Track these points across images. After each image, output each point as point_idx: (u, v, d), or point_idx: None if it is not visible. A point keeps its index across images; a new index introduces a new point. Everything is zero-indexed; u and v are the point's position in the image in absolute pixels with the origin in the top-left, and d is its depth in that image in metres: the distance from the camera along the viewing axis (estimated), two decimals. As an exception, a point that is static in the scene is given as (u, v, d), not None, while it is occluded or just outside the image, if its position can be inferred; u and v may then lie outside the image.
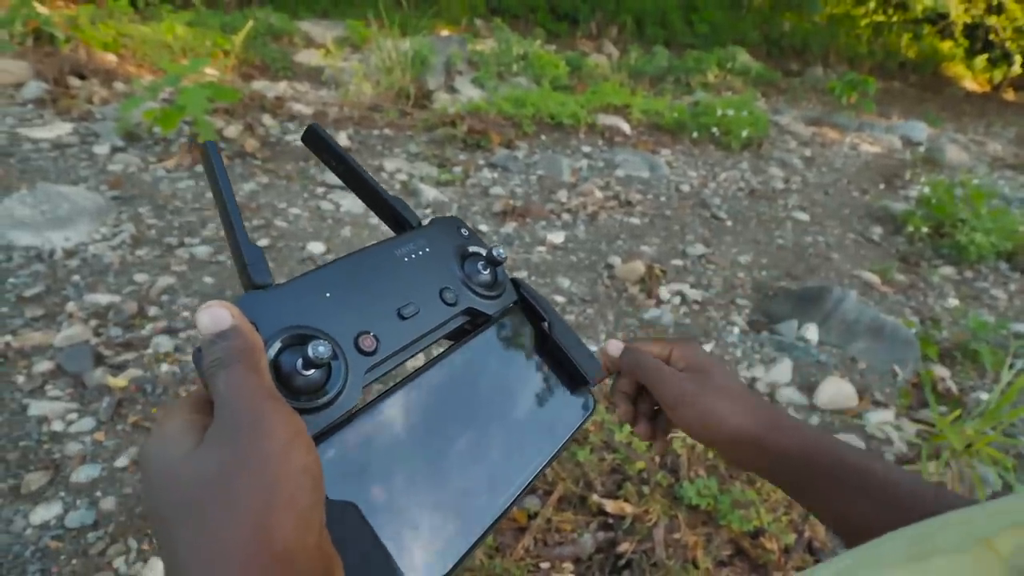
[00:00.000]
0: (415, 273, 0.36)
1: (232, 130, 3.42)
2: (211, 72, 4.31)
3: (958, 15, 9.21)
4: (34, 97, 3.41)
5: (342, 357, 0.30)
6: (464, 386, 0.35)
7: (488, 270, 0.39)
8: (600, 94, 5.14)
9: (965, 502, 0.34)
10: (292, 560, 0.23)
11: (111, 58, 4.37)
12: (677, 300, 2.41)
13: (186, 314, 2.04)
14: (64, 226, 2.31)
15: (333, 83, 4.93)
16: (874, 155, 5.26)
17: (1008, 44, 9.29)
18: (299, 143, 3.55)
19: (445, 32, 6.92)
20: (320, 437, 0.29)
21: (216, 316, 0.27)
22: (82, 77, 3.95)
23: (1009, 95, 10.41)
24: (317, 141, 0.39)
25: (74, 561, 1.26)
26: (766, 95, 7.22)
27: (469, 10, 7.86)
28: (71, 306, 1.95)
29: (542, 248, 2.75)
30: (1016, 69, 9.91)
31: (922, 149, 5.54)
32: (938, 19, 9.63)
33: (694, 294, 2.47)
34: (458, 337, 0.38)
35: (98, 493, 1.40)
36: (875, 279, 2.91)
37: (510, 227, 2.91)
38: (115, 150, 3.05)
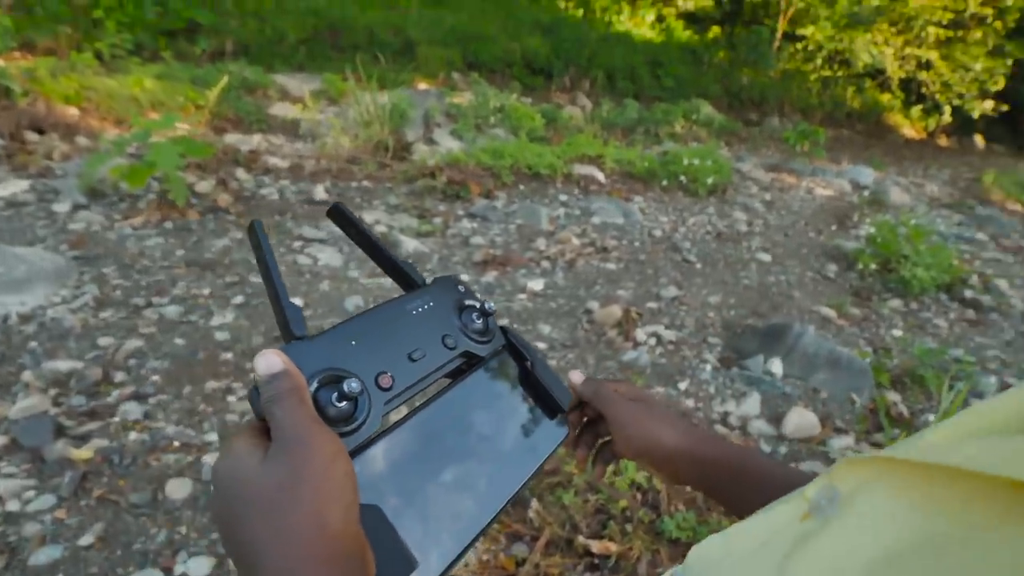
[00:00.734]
0: (422, 324, 0.44)
1: (204, 185, 3.39)
2: (182, 126, 4.31)
3: (894, 71, 10.09)
4: (-14, 153, 3.22)
5: (366, 392, 0.37)
6: (461, 415, 0.44)
7: (481, 320, 0.48)
8: (575, 145, 5.46)
9: None
10: (341, 541, 0.30)
11: (73, 112, 4.30)
12: (653, 341, 2.61)
13: (156, 378, 1.94)
14: (20, 289, 2.19)
15: (310, 136, 5.02)
16: (827, 198, 5.68)
17: (938, 96, 10.20)
18: (275, 196, 3.66)
19: (423, 86, 7.25)
20: (351, 455, 0.35)
21: (270, 361, 0.33)
22: (41, 132, 3.84)
23: (943, 141, 11.31)
24: (341, 217, 0.48)
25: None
26: (728, 144, 7.72)
27: (446, 65, 8.25)
28: (27, 375, 1.84)
29: (523, 296, 2.93)
30: (947, 118, 10.83)
31: (868, 192, 5.99)
32: (877, 74, 10.50)
33: (669, 335, 2.67)
34: (457, 375, 0.46)
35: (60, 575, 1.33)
36: (832, 313, 3.18)
37: (491, 276, 3.09)
38: (77, 207, 2.94)
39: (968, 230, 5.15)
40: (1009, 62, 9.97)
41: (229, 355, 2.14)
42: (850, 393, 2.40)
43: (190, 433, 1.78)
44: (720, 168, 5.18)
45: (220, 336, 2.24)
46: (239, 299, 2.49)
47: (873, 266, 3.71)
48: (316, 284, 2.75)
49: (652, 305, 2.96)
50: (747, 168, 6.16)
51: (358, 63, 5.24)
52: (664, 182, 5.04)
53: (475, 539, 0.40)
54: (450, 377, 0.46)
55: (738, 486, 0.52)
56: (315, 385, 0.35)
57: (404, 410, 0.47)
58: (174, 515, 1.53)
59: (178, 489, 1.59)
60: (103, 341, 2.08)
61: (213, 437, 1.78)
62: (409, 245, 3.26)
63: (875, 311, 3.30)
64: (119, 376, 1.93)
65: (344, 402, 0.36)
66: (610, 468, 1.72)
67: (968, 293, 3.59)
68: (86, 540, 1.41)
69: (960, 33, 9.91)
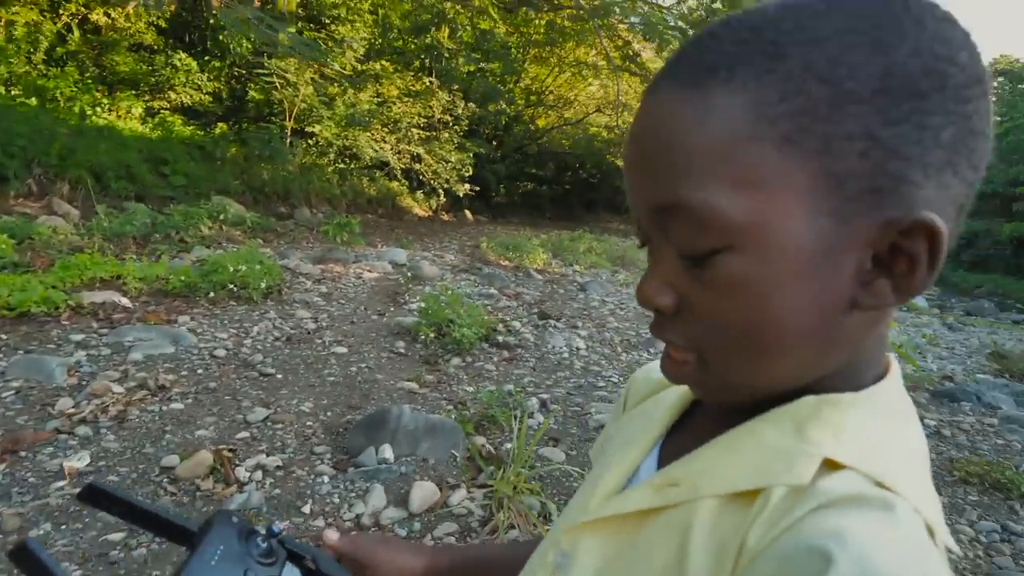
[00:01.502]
0: (224, 568, 0.49)
1: None
2: None
3: (395, 163, 12.45)
4: None
5: None
6: None
7: (266, 543, 0.54)
8: (76, 268, 4.60)
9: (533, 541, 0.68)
10: None
11: None
12: (259, 475, 2.44)
13: None
14: None
15: None
16: (376, 280, 6.47)
17: (432, 182, 13.14)
18: None
19: None
20: None
21: None
22: None
23: (445, 217, 14.58)
24: (97, 496, 0.50)
25: None
26: (267, 241, 7.87)
27: None
28: None
29: (61, 483, 2.28)
30: (443, 199, 14.08)
31: (407, 269, 7.14)
32: (384, 165, 12.70)
33: (273, 461, 2.55)
34: None
35: None
36: (415, 385, 3.64)
37: None
38: None
39: (483, 287, 6.73)
40: (471, 155, 13.63)
41: None
42: (450, 451, 2.80)
43: None
44: (269, 270, 5.26)
45: None
46: None
47: (432, 334, 4.43)
48: None
49: (243, 435, 2.76)
50: (294, 264, 6.43)
51: None
52: (211, 294, 4.78)
53: None
54: None
55: (486, 574, 0.67)
56: None
57: None
58: None
59: None
60: None
61: None
62: None
63: (445, 372, 3.95)
64: None
65: None
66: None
67: (500, 338, 4.69)
68: None
69: (435, 133, 12.99)
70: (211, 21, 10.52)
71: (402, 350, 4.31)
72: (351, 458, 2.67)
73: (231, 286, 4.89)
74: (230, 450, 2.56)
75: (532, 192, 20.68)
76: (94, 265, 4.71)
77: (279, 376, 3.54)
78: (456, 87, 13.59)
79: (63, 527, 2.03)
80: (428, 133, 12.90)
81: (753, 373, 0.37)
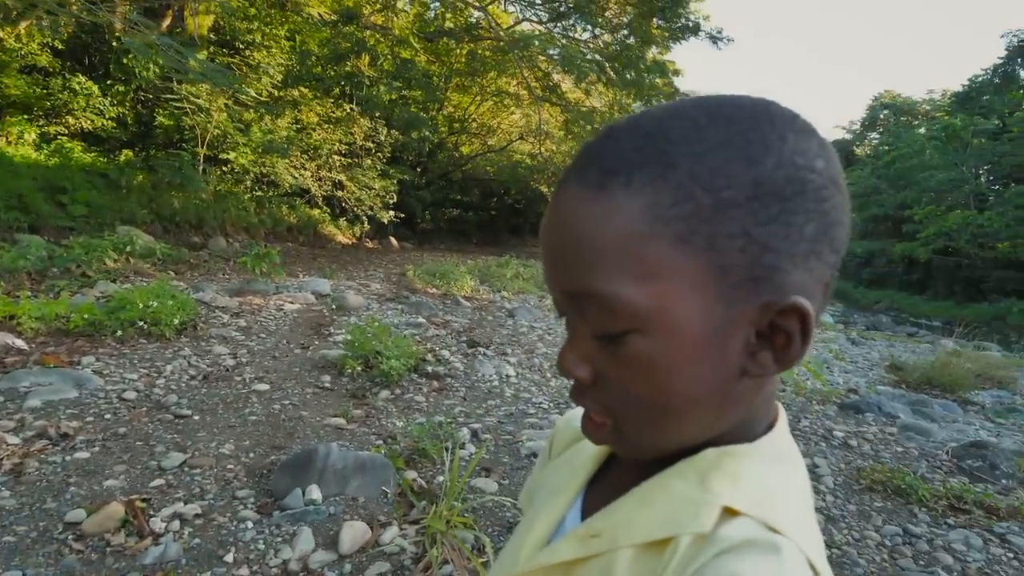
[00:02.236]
0: None
1: None
2: None
3: (316, 190, 12.23)
4: None
5: None
6: None
7: None
8: (-41, 309, 4.24)
9: None
10: None
11: None
12: (176, 525, 2.34)
13: None
14: None
15: None
16: (298, 312, 6.31)
17: (355, 209, 12.99)
18: None
19: None
20: None
21: None
22: None
23: (369, 244, 14.42)
24: None
25: None
26: (179, 273, 7.52)
27: None
28: None
29: (-49, 543, 2.12)
30: (367, 226, 13.94)
31: (331, 299, 7.00)
32: (304, 192, 12.45)
33: (192, 509, 2.45)
34: None
35: None
36: (342, 421, 3.59)
37: None
38: None
39: (411, 316, 6.72)
40: (395, 182, 13.60)
41: None
42: (381, 488, 2.79)
43: None
44: (183, 304, 5.05)
45: None
46: None
47: (358, 368, 4.39)
48: None
49: (158, 483, 2.64)
50: (209, 297, 6.19)
51: None
52: (118, 332, 4.53)
53: None
54: None
55: None
56: None
57: None
58: None
59: None
60: None
61: None
62: None
63: (373, 406, 3.92)
64: None
65: None
66: None
67: (429, 368, 4.71)
68: None
69: (357, 160, 12.90)
70: (114, 44, 10.06)
71: (328, 384, 4.24)
72: (276, 501, 2.61)
73: (141, 323, 4.65)
74: (143, 500, 2.43)
75: (458, 218, 20.87)
76: (-20, 305, 4.36)
77: (196, 417, 3.40)
78: (378, 114, 13.61)
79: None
80: (350, 160, 12.80)
81: (662, 436, 0.43)
